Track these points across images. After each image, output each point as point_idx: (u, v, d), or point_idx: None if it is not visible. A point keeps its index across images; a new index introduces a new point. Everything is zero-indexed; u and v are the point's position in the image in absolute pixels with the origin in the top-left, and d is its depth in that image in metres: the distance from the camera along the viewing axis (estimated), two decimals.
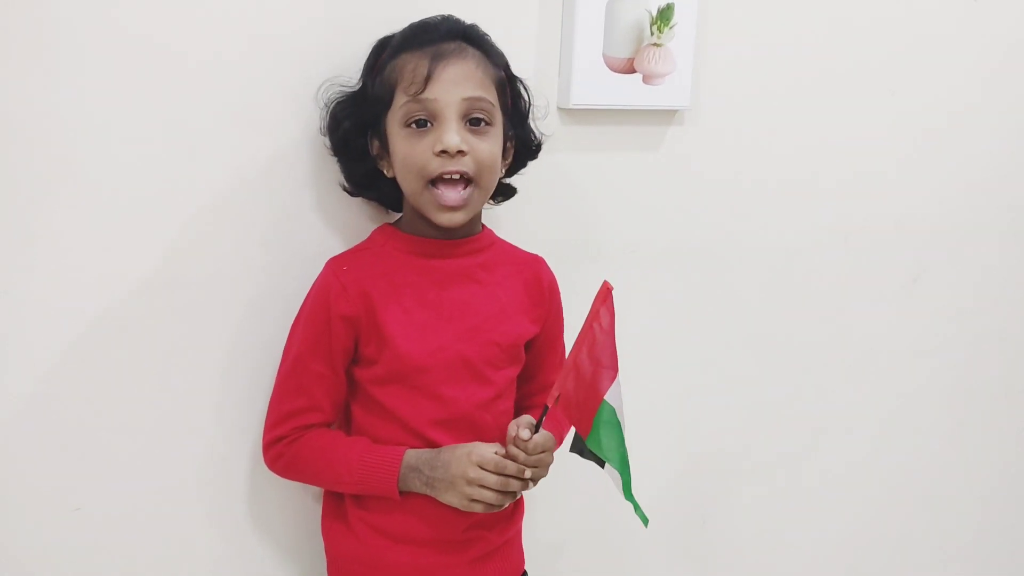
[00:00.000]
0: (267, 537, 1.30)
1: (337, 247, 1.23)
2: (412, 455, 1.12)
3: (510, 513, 1.24)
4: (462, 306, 1.17)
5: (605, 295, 1.05)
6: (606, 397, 1.07)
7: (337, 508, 1.21)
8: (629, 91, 1.42)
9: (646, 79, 1.43)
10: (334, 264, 1.17)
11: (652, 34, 1.41)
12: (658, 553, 1.72)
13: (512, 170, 1.24)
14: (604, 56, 1.39)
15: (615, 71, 1.40)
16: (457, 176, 1.10)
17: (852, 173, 1.77)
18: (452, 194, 1.11)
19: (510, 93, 1.19)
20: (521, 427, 1.10)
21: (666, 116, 1.51)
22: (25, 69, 1.04)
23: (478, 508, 1.10)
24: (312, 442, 1.15)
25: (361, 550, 1.18)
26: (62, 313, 1.11)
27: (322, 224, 1.24)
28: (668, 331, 1.61)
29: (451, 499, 1.10)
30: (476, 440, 1.14)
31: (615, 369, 1.07)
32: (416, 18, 1.16)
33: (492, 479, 1.08)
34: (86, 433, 1.15)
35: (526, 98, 1.23)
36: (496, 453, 1.10)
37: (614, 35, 1.39)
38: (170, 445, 1.20)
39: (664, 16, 1.41)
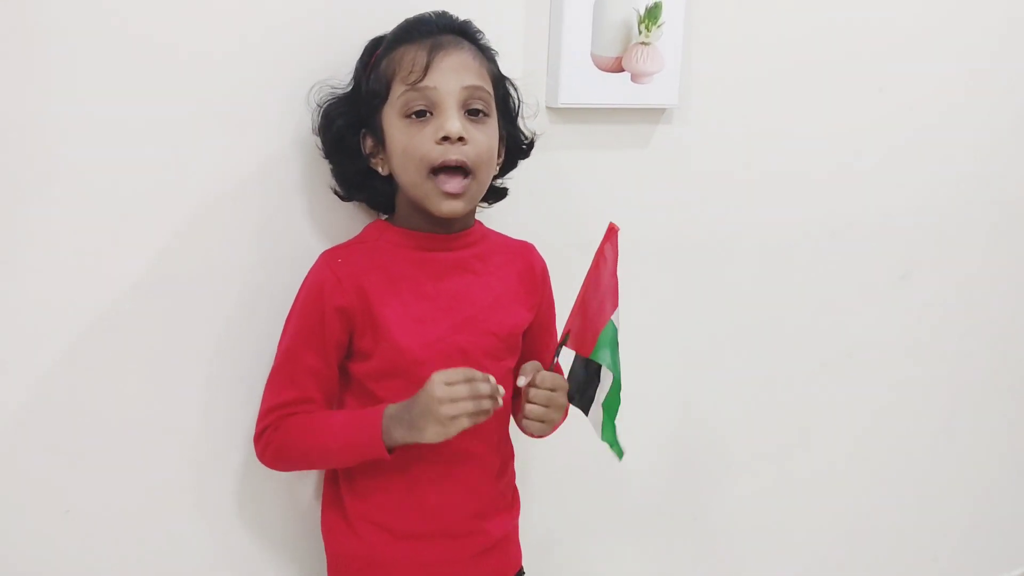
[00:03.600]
0: (264, 537, 1.30)
1: (328, 245, 1.23)
2: (391, 407, 1.09)
3: (508, 506, 1.25)
4: (458, 297, 1.17)
5: (611, 235, 1.09)
6: (611, 318, 1.10)
7: (336, 505, 1.21)
8: (617, 90, 1.43)
9: (634, 78, 1.44)
10: (329, 257, 1.16)
11: (640, 33, 1.42)
12: (649, 547, 1.73)
13: (504, 170, 1.25)
14: (592, 55, 1.39)
15: (603, 70, 1.41)
16: (457, 166, 1.11)
17: (840, 170, 1.78)
18: (453, 182, 1.11)
19: (502, 91, 1.20)
20: (524, 371, 1.12)
21: (654, 114, 1.52)
22: (16, 68, 1.04)
23: (463, 423, 1.05)
24: (295, 423, 1.13)
25: (361, 547, 1.17)
26: (51, 313, 1.11)
27: (313, 223, 1.24)
28: (656, 328, 1.61)
29: (433, 429, 1.05)
30: (475, 430, 1.10)
31: (616, 303, 1.11)
32: (399, 19, 1.16)
33: (462, 389, 1.04)
34: (77, 434, 1.14)
35: (515, 97, 1.23)
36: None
37: (602, 34, 1.39)
38: (162, 444, 1.20)
39: (652, 15, 1.42)
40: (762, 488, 1.85)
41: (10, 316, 1.09)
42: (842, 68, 1.72)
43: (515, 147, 1.24)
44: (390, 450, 1.09)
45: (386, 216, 1.24)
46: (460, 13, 1.18)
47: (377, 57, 1.14)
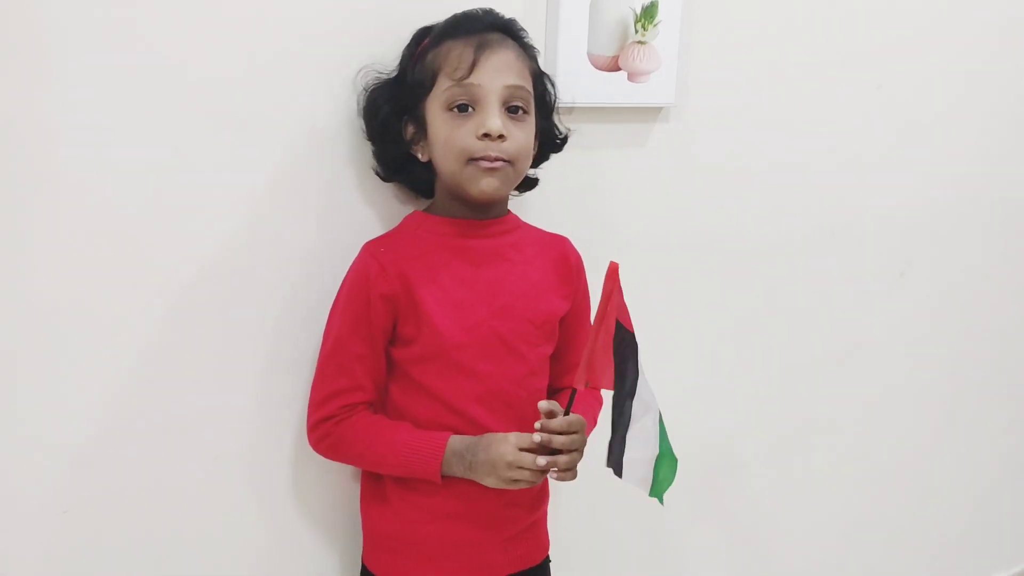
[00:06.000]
0: (304, 517, 1.31)
1: (373, 232, 1.26)
2: (456, 440, 1.15)
3: (539, 492, 1.28)
4: (496, 284, 1.20)
5: (613, 275, 1.11)
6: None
7: (376, 486, 1.24)
8: (614, 89, 1.42)
9: (631, 77, 1.43)
10: (371, 247, 1.20)
11: (636, 32, 1.41)
12: (660, 541, 1.73)
13: (536, 162, 1.28)
14: (589, 54, 1.39)
15: (600, 69, 1.40)
16: (497, 162, 1.15)
17: (838, 168, 1.77)
18: (490, 162, 1.15)
19: (540, 87, 1.23)
20: (544, 412, 1.14)
21: (651, 113, 1.52)
22: (76, 66, 1.05)
23: (520, 485, 1.14)
24: (356, 424, 1.17)
25: (398, 525, 1.21)
26: (101, 306, 1.12)
27: (359, 210, 1.27)
28: (654, 327, 1.60)
29: (490, 481, 1.14)
30: (512, 416, 1.20)
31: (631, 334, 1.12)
32: (442, 13, 1.19)
33: (529, 459, 1.11)
34: (122, 423, 1.16)
35: (552, 93, 1.26)
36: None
37: (598, 33, 1.39)
38: (215, 430, 1.22)
39: (648, 13, 1.41)
40: (761, 486, 1.85)
41: (42, 317, 1.09)
42: (840, 66, 1.72)
43: (549, 141, 1.28)
44: (442, 476, 1.16)
45: (424, 207, 1.27)
46: (457, 10, 1.19)
47: (424, 48, 1.18)
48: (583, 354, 1.09)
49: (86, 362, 1.12)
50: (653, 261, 1.58)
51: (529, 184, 1.30)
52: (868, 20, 1.74)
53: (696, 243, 1.63)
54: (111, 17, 1.06)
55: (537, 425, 1.13)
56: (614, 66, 1.42)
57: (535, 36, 1.37)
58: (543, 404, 1.14)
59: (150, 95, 1.10)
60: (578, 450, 1.14)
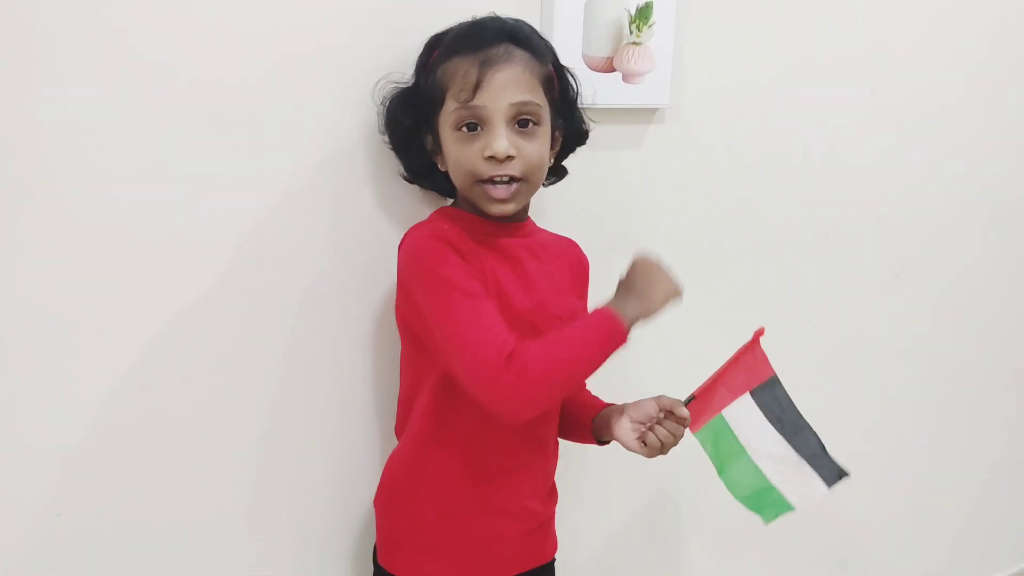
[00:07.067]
0: (319, 519, 1.32)
1: (398, 232, 1.24)
2: (613, 302, 1.15)
3: (551, 489, 1.30)
4: (530, 280, 1.21)
5: (755, 341, 1.29)
6: (723, 412, 1.26)
7: (392, 483, 1.24)
8: (609, 90, 1.42)
9: (626, 78, 1.44)
10: (430, 228, 1.15)
11: (631, 33, 1.41)
12: (659, 542, 1.73)
13: (561, 156, 1.28)
14: (583, 55, 1.39)
15: (595, 70, 1.40)
16: (507, 179, 1.14)
17: (833, 169, 1.78)
18: (500, 190, 1.15)
19: (558, 86, 1.21)
20: (677, 406, 1.22)
21: (646, 114, 1.52)
22: (87, 71, 1.06)
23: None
24: (538, 344, 1.08)
25: (416, 522, 1.21)
26: (121, 312, 1.13)
27: (383, 212, 1.28)
28: (649, 328, 1.61)
29: (664, 288, 1.17)
30: (550, 418, 1.25)
31: (741, 392, 1.27)
32: (458, 17, 1.18)
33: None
34: (118, 425, 1.16)
35: (574, 86, 1.25)
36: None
37: (593, 34, 1.39)
38: (235, 435, 1.22)
39: (643, 15, 1.42)
40: None
41: (38, 317, 1.09)
42: (834, 68, 1.73)
43: (573, 135, 1.27)
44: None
45: (451, 202, 1.27)
46: (455, 13, 1.19)
47: (434, 61, 1.17)
48: (715, 374, 1.24)
49: (83, 364, 1.12)
50: None
51: (559, 173, 1.31)
52: (862, 22, 1.74)
53: (690, 244, 1.63)
54: (122, 25, 1.07)
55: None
56: (609, 67, 1.42)
57: None
58: (652, 408, 1.21)
59: (160, 101, 1.10)
60: (678, 440, 1.23)
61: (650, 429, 1.21)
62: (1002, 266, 2.12)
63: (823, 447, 1.29)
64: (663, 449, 1.22)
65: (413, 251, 1.14)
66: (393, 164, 1.26)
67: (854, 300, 1.89)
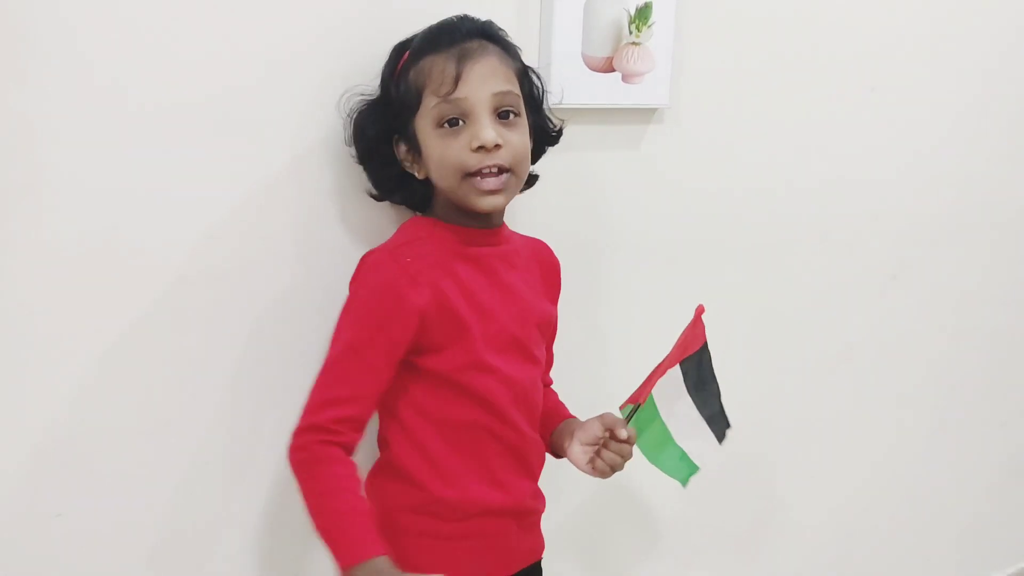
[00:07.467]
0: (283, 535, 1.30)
1: (362, 246, 1.23)
2: (381, 563, 1.05)
3: (539, 490, 1.29)
4: (509, 290, 1.20)
5: (696, 318, 1.25)
6: (652, 392, 1.21)
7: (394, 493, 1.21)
8: (608, 90, 1.42)
9: (625, 78, 1.44)
10: (394, 256, 1.15)
11: (630, 33, 1.42)
12: (651, 543, 1.73)
13: (533, 158, 1.26)
14: (583, 55, 1.39)
15: (594, 70, 1.41)
16: (496, 169, 1.13)
17: (831, 170, 1.78)
18: (491, 180, 1.13)
19: (527, 84, 1.21)
20: (619, 427, 1.19)
21: (645, 115, 1.52)
22: (39, 78, 1.04)
23: None
24: (334, 461, 1.10)
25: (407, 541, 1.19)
26: (75, 315, 1.11)
27: (346, 226, 1.26)
28: (646, 328, 1.61)
29: None
30: (534, 417, 1.24)
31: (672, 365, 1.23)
32: (421, 23, 1.17)
33: None
34: (95, 436, 1.15)
35: (539, 87, 1.25)
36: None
37: (592, 34, 1.39)
38: (180, 446, 1.20)
39: (642, 15, 1.42)
40: (754, 492, 1.85)
41: (31, 317, 1.09)
42: (833, 68, 1.73)
43: (544, 135, 1.26)
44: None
45: (423, 213, 1.25)
46: (452, 12, 1.18)
47: (404, 65, 1.16)
48: (650, 377, 1.19)
49: (33, 374, 1.10)
50: (646, 262, 1.58)
51: (530, 181, 1.29)
52: (862, 22, 1.74)
53: (688, 245, 1.63)
54: (73, 27, 1.05)
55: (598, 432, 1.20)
56: (608, 67, 1.42)
57: (529, 37, 1.37)
58: (598, 428, 1.19)
59: (117, 114, 1.08)
60: (622, 463, 1.21)
61: (597, 453, 1.20)
62: (1000, 268, 2.12)
63: (720, 403, 1.29)
64: (613, 471, 1.21)
65: (362, 281, 1.15)
66: (358, 177, 1.22)
67: (851, 301, 1.89)
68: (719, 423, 1.27)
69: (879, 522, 2.07)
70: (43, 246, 1.07)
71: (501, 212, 1.21)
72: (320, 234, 1.24)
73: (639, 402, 1.20)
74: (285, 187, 1.21)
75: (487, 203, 1.14)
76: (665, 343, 1.64)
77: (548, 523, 1.32)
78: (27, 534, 1.13)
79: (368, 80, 1.20)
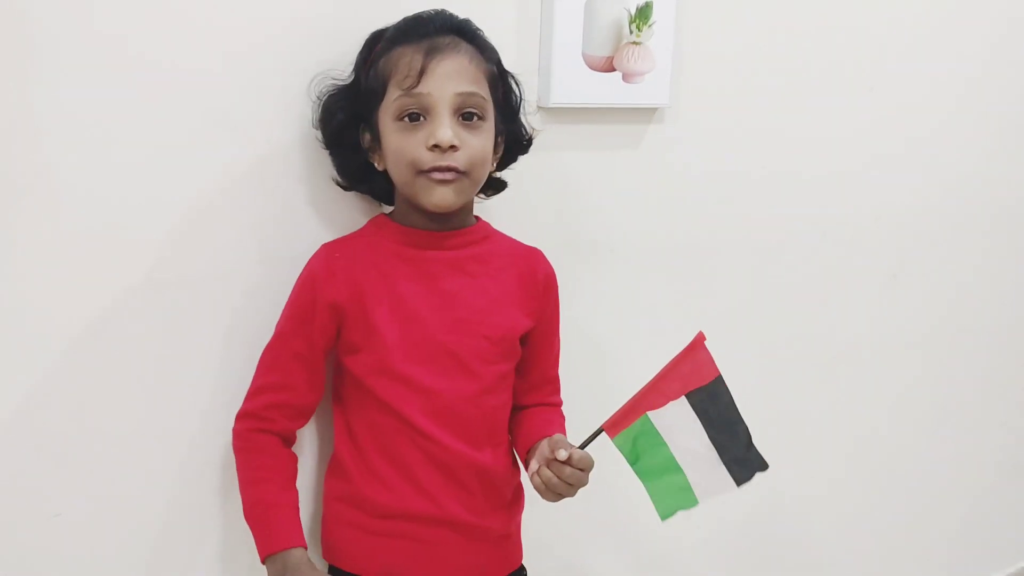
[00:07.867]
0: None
1: (330, 238, 1.23)
2: (297, 556, 1.10)
3: (508, 504, 1.25)
4: (450, 298, 1.17)
5: (697, 345, 1.13)
6: (648, 413, 1.12)
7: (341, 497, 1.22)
8: (609, 89, 1.42)
9: (626, 77, 1.43)
10: (327, 250, 1.18)
11: (631, 32, 1.41)
12: (644, 547, 1.73)
13: (503, 164, 1.25)
14: (583, 55, 1.39)
15: (595, 69, 1.40)
16: (449, 172, 1.11)
17: (831, 169, 1.78)
18: (442, 173, 1.11)
19: (502, 88, 1.19)
20: (558, 447, 1.10)
21: (646, 114, 1.52)
22: (14, 74, 1.04)
23: None
24: (266, 450, 1.16)
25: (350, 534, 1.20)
26: (49, 315, 1.10)
27: (316, 217, 1.25)
28: (646, 328, 1.61)
29: None
30: (464, 433, 1.16)
31: (676, 397, 1.14)
32: (399, 14, 1.16)
33: None
34: (73, 436, 1.14)
35: (517, 93, 1.23)
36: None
37: (593, 34, 1.39)
38: (157, 446, 1.20)
39: (643, 14, 1.41)
40: (754, 491, 1.85)
41: (5, 318, 1.08)
42: (833, 67, 1.73)
43: (515, 143, 1.24)
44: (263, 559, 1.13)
45: (389, 211, 1.24)
46: (402, 11, 1.17)
47: (376, 54, 1.15)
48: (634, 404, 1.09)
49: (56, 364, 1.11)
50: (646, 262, 1.58)
51: (496, 187, 1.27)
52: (862, 22, 1.74)
53: (688, 244, 1.63)
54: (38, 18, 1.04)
55: (535, 466, 1.13)
56: (609, 67, 1.42)
57: (529, 37, 1.37)
58: (546, 448, 1.14)
59: (104, 101, 1.08)
60: (578, 487, 1.13)
61: (537, 472, 1.13)
62: (1000, 268, 2.12)
63: (750, 442, 1.21)
64: (552, 492, 1.12)
65: (304, 268, 1.17)
66: (327, 170, 1.22)
67: (852, 301, 1.89)
68: (745, 467, 1.20)
69: (878, 521, 2.06)
70: (48, 243, 1.08)
71: (459, 213, 1.17)
72: (293, 227, 1.23)
73: (609, 433, 1.12)
74: (260, 179, 1.20)
75: (438, 197, 1.12)
76: (665, 343, 1.64)
77: (531, 531, 1.31)
78: (27, 534, 1.13)
79: (341, 68, 1.19)
